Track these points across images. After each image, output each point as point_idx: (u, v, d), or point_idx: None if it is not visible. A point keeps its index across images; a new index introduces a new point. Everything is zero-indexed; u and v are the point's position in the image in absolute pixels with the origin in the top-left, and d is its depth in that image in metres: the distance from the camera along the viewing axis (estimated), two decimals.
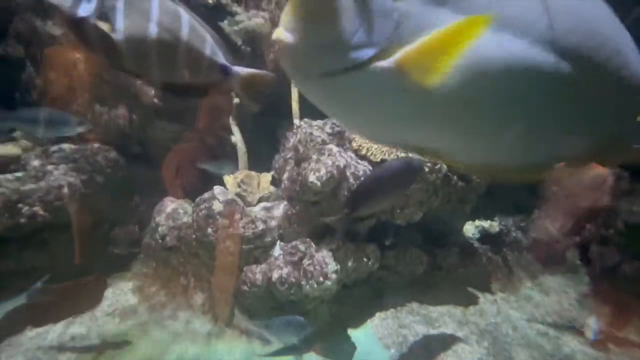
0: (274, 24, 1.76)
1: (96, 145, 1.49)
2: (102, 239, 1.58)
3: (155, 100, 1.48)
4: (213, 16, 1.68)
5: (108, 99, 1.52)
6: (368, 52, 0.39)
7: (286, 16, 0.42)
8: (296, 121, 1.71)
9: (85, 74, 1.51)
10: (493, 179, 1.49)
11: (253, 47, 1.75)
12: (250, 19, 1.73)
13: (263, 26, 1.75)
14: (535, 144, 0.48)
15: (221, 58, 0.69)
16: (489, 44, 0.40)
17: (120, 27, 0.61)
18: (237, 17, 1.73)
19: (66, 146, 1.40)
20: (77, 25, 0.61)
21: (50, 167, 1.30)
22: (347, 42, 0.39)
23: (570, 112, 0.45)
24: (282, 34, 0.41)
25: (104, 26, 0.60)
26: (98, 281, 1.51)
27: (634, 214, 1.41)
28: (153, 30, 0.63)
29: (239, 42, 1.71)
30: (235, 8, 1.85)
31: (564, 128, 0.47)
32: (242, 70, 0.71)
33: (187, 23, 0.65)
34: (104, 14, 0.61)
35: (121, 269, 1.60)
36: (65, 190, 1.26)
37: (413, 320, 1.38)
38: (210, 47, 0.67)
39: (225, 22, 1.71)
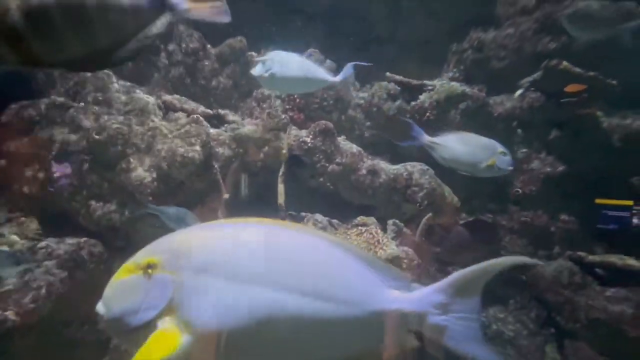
0: (265, 129, 2.03)
1: (83, 239, 1.51)
2: (69, 340, 1.46)
3: (150, 198, 1.58)
4: (213, 124, 1.93)
5: (104, 195, 1.61)
6: (152, 313, 0.60)
7: (104, 295, 0.64)
8: (281, 214, 1.84)
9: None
10: None
11: (245, 149, 1.97)
12: (244, 126, 2.00)
13: (254, 132, 2.01)
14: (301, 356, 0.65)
15: None
16: (238, 297, 0.61)
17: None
18: (233, 125, 2.00)
19: (53, 241, 1.42)
20: None
21: (32, 265, 1.29)
22: (138, 308, 0.61)
23: (321, 334, 0.64)
24: (100, 307, 0.63)
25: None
26: None
27: (592, 308, 1.51)
28: None
29: (234, 145, 1.93)
30: (232, 117, 2.15)
31: (322, 345, 0.64)
32: None
33: None
34: None
35: None
36: (44, 291, 1.23)
37: None
38: None
39: (223, 128, 1.96)
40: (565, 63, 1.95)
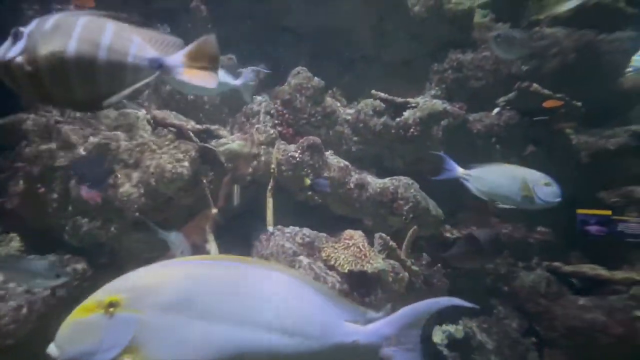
0: (253, 143, 2.07)
1: (67, 256, 1.48)
2: None
3: (137, 214, 1.57)
4: (202, 139, 1.95)
5: (90, 210, 1.59)
6: (111, 353, 0.59)
7: (57, 336, 0.61)
8: (270, 228, 1.85)
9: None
10: None
11: (235, 164, 1.99)
12: (234, 141, 2.03)
13: (243, 147, 2.04)
14: None
15: (150, 52, 0.67)
16: (204, 336, 0.62)
17: (39, 55, 0.60)
18: (223, 140, 2.02)
19: (36, 259, 1.38)
20: (6, 69, 0.60)
21: (12, 285, 1.25)
22: (97, 349, 0.59)
23: None
24: (52, 348, 0.60)
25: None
26: None
27: (567, 317, 1.58)
28: (71, 47, 0.61)
29: (223, 159, 1.95)
30: (221, 132, 2.17)
31: None
32: (178, 55, 0.68)
33: (111, 29, 0.64)
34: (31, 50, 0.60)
35: None
36: (24, 311, 1.19)
37: None
38: (136, 45, 0.66)
39: (213, 143, 1.98)
40: (535, 85, 2.09)
